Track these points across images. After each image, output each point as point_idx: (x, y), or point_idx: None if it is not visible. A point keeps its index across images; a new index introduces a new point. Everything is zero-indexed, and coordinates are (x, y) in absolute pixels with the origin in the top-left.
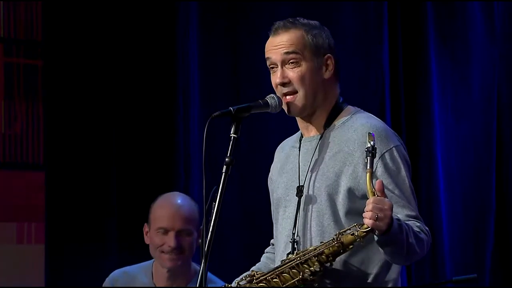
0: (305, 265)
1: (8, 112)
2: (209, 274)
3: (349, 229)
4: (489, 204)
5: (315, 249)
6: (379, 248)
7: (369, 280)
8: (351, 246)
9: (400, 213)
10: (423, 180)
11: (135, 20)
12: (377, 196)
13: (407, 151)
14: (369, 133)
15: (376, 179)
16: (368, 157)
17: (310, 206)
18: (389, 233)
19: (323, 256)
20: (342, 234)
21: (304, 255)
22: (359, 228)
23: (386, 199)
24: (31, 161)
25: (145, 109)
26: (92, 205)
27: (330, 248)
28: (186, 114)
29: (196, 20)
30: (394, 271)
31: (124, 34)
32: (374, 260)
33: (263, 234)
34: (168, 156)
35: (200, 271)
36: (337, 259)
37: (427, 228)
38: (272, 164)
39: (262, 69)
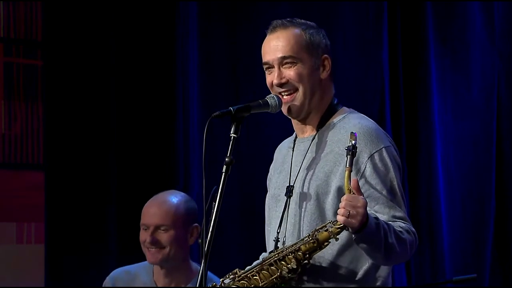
0: (282, 262)
1: (8, 112)
2: (209, 273)
3: (325, 226)
4: (489, 204)
5: (292, 246)
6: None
7: (358, 278)
8: (326, 243)
9: (387, 213)
10: (423, 180)
11: (135, 20)
12: (353, 194)
13: (398, 152)
14: (351, 132)
15: (365, 179)
16: (348, 156)
17: (299, 206)
18: (364, 231)
19: (299, 253)
20: (318, 231)
21: (282, 251)
22: (333, 225)
23: (361, 197)
24: (31, 161)
25: (145, 109)
26: (91, 205)
27: (306, 245)
28: (186, 114)
29: (196, 21)
30: (384, 270)
31: (124, 34)
32: (364, 259)
33: (263, 233)
34: (168, 156)
35: (200, 271)
36: (327, 258)
37: (413, 229)
38: (271, 165)
39: (262, 69)
